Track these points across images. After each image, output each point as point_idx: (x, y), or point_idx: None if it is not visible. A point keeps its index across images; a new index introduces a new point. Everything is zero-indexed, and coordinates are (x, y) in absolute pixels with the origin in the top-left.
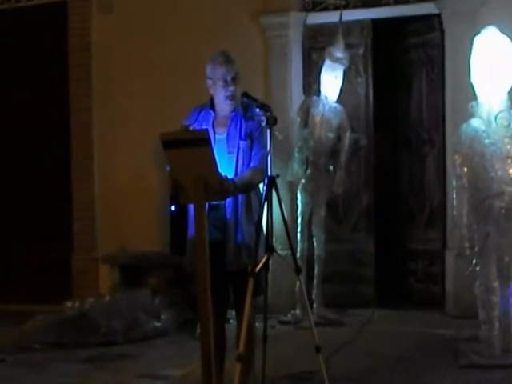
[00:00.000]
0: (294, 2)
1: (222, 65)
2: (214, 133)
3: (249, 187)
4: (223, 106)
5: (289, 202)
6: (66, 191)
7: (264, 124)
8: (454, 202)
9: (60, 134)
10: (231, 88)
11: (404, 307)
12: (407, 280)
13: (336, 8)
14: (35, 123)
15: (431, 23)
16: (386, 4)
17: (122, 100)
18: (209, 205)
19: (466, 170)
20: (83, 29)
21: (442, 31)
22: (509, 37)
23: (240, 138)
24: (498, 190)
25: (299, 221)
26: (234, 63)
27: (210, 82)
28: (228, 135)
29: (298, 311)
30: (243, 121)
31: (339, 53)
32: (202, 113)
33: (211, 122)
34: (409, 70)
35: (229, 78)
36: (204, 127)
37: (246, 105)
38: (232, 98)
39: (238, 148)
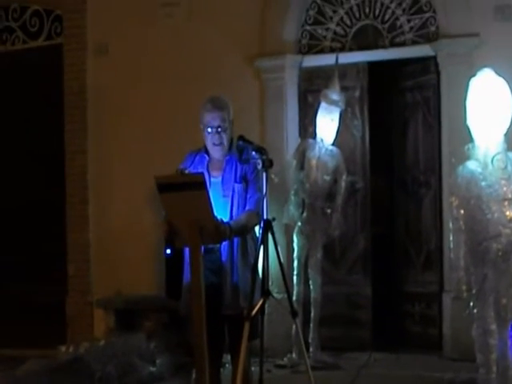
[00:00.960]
0: (290, 45)
1: (208, 112)
2: (209, 176)
3: (244, 230)
4: (213, 152)
5: (285, 245)
6: (61, 234)
7: (260, 167)
8: (451, 245)
9: (55, 176)
10: (217, 136)
11: (401, 350)
12: (404, 323)
13: (332, 51)
14: (30, 165)
15: (427, 65)
16: (382, 47)
17: (117, 143)
18: (204, 248)
19: (462, 212)
20: (78, 71)
21: (438, 73)
22: (505, 79)
23: (235, 181)
24: (495, 232)
25: (295, 264)
26: (223, 109)
27: (201, 127)
28: (223, 178)
29: (294, 355)
30: (238, 164)
31: (335, 95)
32: (197, 157)
33: (206, 165)
34: (405, 113)
35: (215, 125)
36: (199, 170)
37: (241, 148)
38: (218, 144)
39: (233, 191)
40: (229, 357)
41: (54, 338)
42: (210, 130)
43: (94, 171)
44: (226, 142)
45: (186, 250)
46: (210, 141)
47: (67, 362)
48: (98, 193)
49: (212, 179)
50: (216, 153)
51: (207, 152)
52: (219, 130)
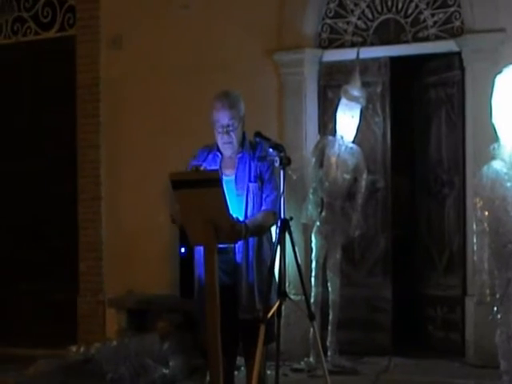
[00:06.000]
0: (310, 39)
1: (216, 111)
2: (222, 174)
3: (261, 230)
4: (223, 150)
5: (303, 246)
6: (73, 231)
7: (277, 164)
8: (475, 247)
9: (67, 172)
10: (226, 136)
11: (422, 355)
12: (425, 327)
13: (353, 45)
14: (42, 160)
15: (451, 61)
16: (405, 41)
17: (131, 137)
18: (218, 248)
19: (487, 213)
20: (91, 64)
21: (463, 69)
22: None
23: (249, 180)
24: None
25: (313, 265)
26: (232, 108)
27: (212, 124)
28: (236, 177)
29: (311, 359)
30: (252, 162)
31: (356, 91)
32: (210, 155)
33: (219, 163)
34: (428, 110)
35: (223, 124)
36: (213, 167)
37: (254, 144)
38: (228, 143)
39: (248, 190)
40: (243, 360)
41: (64, 338)
42: (219, 129)
43: (106, 167)
44: (235, 141)
45: (198, 250)
46: (219, 139)
47: (78, 363)
48: (110, 189)
49: (225, 177)
50: (226, 151)
51: (219, 149)
52: (228, 129)
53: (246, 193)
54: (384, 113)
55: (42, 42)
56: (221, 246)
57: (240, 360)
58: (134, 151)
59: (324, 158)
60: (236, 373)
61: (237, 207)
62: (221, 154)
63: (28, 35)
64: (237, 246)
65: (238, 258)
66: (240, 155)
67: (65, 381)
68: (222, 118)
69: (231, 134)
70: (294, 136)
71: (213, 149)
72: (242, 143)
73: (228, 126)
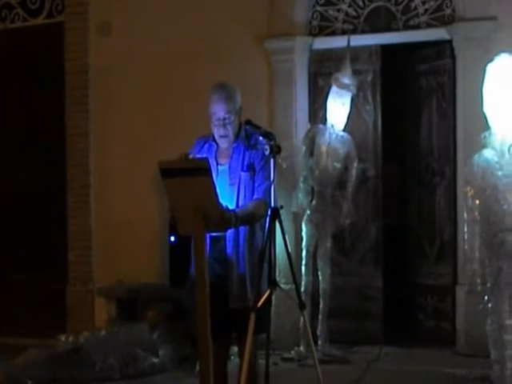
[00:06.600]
0: (300, 26)
1: (213, 103)
2: (217, 164)
3: (251, 219)
4: (219, 142)
5: (293, 234)
6: (62, 220)
7: (267, 153)
8: (466, 236)
9: (56, 160)
10: (222, 129)
11: (413, 344)
12: (416, 316)
13: (343, 33)
14: (30, 148)
15: (442, 49)
16: (396, 29)
17: (120, 125)
18: (210, 237)
19: (477, 202)
20: (80, 51)
21: (454, 58)
22: None
23: (242, 170)
24: (511, 224)
25: (304, 253)
26: (229, 101)
27: (209, 117)
28: (230, 166)
29: (301, 348)
30: (246, 151)
31: (347, 79)
32: (206, 145)
33: (214, 153)
34: (419, 98)
35: (220, 117)
36: (205, 156)
37: (248, 133)
38: (224, 136)
39: (240, 180)
40: (236, 349)
41: (53, 327)
42: (215, 121)
43: (95, 155)
44: (231, 134)
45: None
46: (216, 132)
47: (67, 352)
48: (99, 177)
49: (219, 167)
50: (222, 144)
51: (215, 140)
52: (224, 122)
53: (238, 182)
54: (375, 101)
55: (30, 29)
56: (213, 234)
57: (232, 349)
58: (123, 139)
59: (314, 146)
60: (227, 362)
61: (229, 196)
62: (216, 144)
63: (16, 22)
64: (227, 235)
65: (229, 247)
66: (235, 145)
67: (54, 370)
68: (219, 111)
69: (227, 127)
70: (284, 124)
71: (209, 139)
72: (237, 134)
73: (224, 119)
